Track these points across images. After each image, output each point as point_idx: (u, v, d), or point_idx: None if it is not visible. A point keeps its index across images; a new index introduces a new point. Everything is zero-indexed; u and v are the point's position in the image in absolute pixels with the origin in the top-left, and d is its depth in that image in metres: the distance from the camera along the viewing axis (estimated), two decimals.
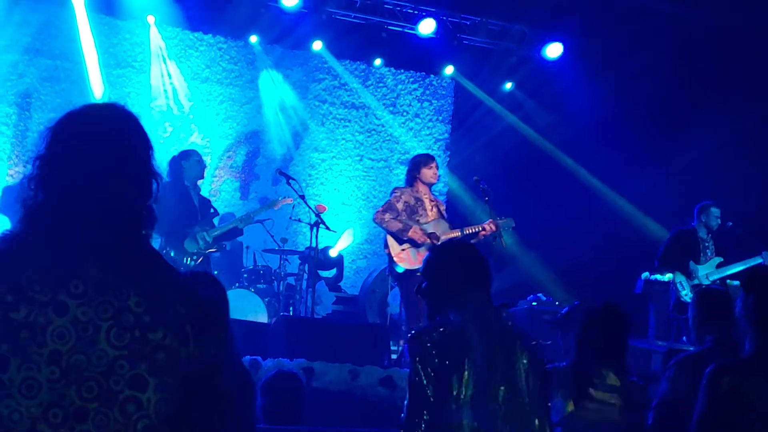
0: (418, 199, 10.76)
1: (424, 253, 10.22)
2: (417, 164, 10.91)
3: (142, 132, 2.77)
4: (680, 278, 12.04)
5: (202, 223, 11.27)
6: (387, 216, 10.72)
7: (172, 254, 10.97)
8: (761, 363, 4.47)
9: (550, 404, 4.74)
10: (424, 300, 4.78)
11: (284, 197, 12.50)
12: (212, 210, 11.77)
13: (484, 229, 10.53)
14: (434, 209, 10.79)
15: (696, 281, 11.99)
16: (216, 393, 2.66)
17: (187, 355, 2.54)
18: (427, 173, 10.77)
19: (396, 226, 10.63)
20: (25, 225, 2.61)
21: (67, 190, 2.60)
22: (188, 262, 10.99)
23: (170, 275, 2.66)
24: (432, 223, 10.65)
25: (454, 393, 4.32)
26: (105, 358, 2.46)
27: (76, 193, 2.59)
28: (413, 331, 4.62)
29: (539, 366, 4.56)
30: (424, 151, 16.98)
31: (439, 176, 10.95)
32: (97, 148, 2.64)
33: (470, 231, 10.60)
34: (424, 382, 4.34)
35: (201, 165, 11.46)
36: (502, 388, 4.38)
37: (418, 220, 10.65)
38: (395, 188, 11.30)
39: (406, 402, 4.45)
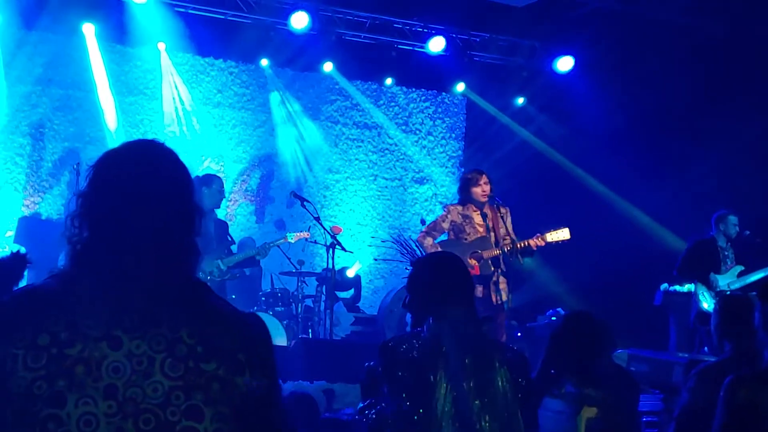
0: (467, 217, 10.67)
1: None
2: (466, 183, 10.81)
3: (183, 167, 2.84)
4: (701, 289, 11.95)
5: (218, 250, 11.26)
6: (428, 241, 10.69)
7: None
8: None
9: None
10: (410, 313, 4.80)
11: (300, 231, 12.51)
12: (229, 238, 11.77)
13: (528, 245, 10.46)
14: (490, 222, 10.64)
15: (717, 291, 11.90)
16: (271, 422, 2.68)
17: (243, 385, 2.57)
18: (477, 191, 10.67)
19: (434, 251, 10.62)
20: (74, 263, 2.65)
21: (112, 227, 2.64)
22: None
23: (220, 306, 2.70)
24: (477, 240, 10.57)
25: (432, 406, 4.32)
26: (161, 389, 2.49)
27: (121, 229, 2.63)
28: (382, 342, 4.66)
29: (522, 377, 4.54)
30: (439, 169, 17.09)
31: (491, 188, 10.77)
32: (139, 184, 2.68)
33: (518, 245, 10.51)
34: (403, 395, 4.38)
35: (221, 194, 11.49)
36: (477, 402, 4.36)
37: (465, 239, 10.58)
38: (445, 205, 11.30)
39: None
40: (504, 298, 10.44)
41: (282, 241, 12.18)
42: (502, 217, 10.68)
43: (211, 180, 11.43)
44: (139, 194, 2.66)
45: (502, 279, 10.49)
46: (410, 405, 4.36)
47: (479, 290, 10.28)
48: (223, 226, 11.73)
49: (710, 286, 11.89)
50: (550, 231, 10.58)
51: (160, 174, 2.74)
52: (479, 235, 10.57)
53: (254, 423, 2.61)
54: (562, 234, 10.62)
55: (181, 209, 2.73)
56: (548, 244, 10.54)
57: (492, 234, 10.54)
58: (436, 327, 4.51)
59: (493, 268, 10.44)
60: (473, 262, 10.38)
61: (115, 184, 2.69)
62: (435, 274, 4.75)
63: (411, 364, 4.43)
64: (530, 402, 4.66)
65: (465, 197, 10.77)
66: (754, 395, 4.40)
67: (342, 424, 8.22)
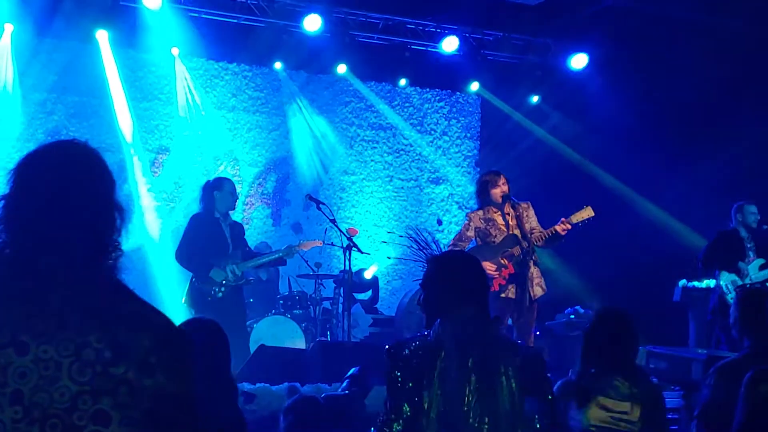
0: (489, 220, 10.62)
1: (500, 278, 10.22)
2: (485, 185, 10.76)
3: (101, 166, 2.78)
4: (725, 280, 11.84)
5: (234, 255, 11.26)
6: None
7: (197, 284, 11.01)
8: None
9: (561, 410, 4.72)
10: (423, 311, 4.80)
11: (313, 240, 12.52)
12: (245, 244, 11.78)
13: (555, 231, 10.43)
14: (512, 221, 10.62)
15: (747, 281, 11.79)
16: (184, 425, 2.65)
17: (152, 388, 2.54)
18: (497, 192, 10.63)
19: None
20: None
21: (27, 230, 2.63)
22: (216, 293, 10.99)
23: (136, 309, 2.65)
24: (505, 239, 10.50)
25: (425, 408, 4.33)
26: (68, 394, 2.48)
27: (34, 232, 2.62)
28: (387, 345, 4.67)
29: (532, 375, 4.51)
30: (454, 169, 17.08)
31: (508, 188, 10.75)
32: (55, 186, 2.66)
33: (545, 235, 10.49)
34: (395, 394, 4.42)
35: (233, 196, 11.48)
36: (477, 404, 4.36)
37: (493, 242, 10.55)
38: (467, 214, 11.26)
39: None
40: (540, 292, 10.41)
41: (303, 247, 12.16)
42: (524, 213, 10.64)
43: (220, 183, 11.42)
44: (52, 195, 2.65)
45: (536, 272, 10.46)
46: (408, 408, 4.38)
47: (512, 290, 10.27)
48: (239, 228, 11.74)
49: (740, 275, 11.79)
50: (573, 213, 10.54)
51: (74, 175, 2.70)
52: (505, 234, 10.53)
53: (166, 426, 2.58)
54: (586, 213, 10.55)
55: (97, 209, 2.70)
56: (575, 226, 10.49)
57: (518, 230, 10.49)
58: (441, 328, 4.53)
59: (525, 264, 10.37)
60: (505, 261, 10.35)
61: (29, 186, 2.68)
62: (449, 273, 4.73)
63: (409, 366, 4.45)
64: (547, 400, 4.62)
65: (484, 200, 10.74)
66: None
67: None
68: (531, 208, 10.77)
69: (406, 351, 4.50)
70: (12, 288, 2.58)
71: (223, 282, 11.03)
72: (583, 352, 5.67)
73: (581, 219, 10.53)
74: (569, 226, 10.41)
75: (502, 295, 10.15)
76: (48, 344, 2.50)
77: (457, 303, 4.58)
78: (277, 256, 12.00)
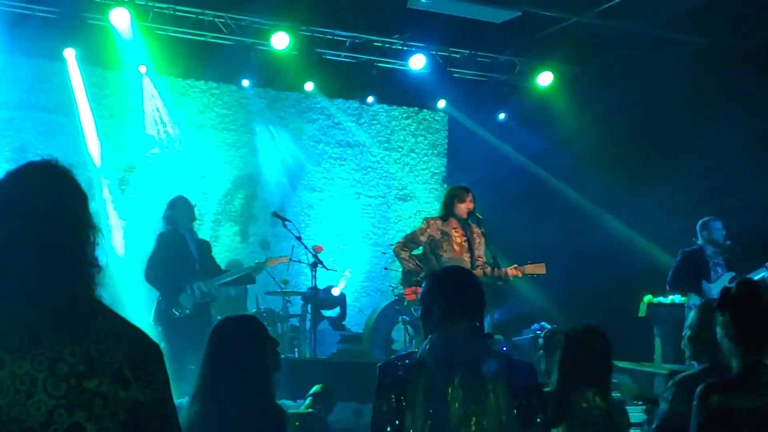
0: (445, 233, 10.69)
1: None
2: (451, 198, 10.84)
3: (76, 185, 2.85)
4: (694, 300, 11.89)
5: (201, 272, 11.27)
6: (404, 253, 10.75)
7: (164, 304, 11.03)
8: (749, 380, 4.54)
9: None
10: (423, 327, 4.82)
11: (279, 256, 12.55)
12: (213, 261, 11.78)
13: (506, 274, 10.55)
14: (465, 243, 10.70)
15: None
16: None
17: (128, 399, 2.61)
18: (462, 208, 10.71)
19: (408, 265, 10.66)
20: None
21: (1, 249, 2.68)
22: (184, 310, 10.99)
23: (108, 322, 2.71)
24: (454, 260, 10.56)
25: (412, 423, 4.35)
26: (43, 408, 2.54)
27: (8, 251, 2.67)
28: (379, 364, 4.68)
29: (523, 390, 4.53)
30: (422, 186, 17.13)
31: (473, 207, 10.83)
32: (28, 206, 2.72)
33: (483, 269, 10.58)
34: (377, 417, 4.43)
35: (188, 207, 11.49)
36: (466, 420, 4.38)
37: (441, 255, 10.62)
38: (426, 218, 11.32)
39: None
40: None
41: (261, 268, 12.18)
42: (478, 237, 10.74)
43: (172, 203, 11.45)
44: (25, 215, 2.70)
45: None
46: (392, 425, 4.39)
47: None
48: (205, 245, 11.75)
49: (702, 297, 11.83)
50: (528, 264, 10.71)
51: (47, 195, 2.76)
52: (456, 254, 10.59)
53: None
54: (539, 269, 10.78)
55: (70, 228, 2.74)
56: (525, 275, 10.67)
57: (468, 254, 10.58)
58: (429, 344, 4.54)
59: None
60: None
61: (2, 209, 2.73)
62: (440, 291, 4.74)
63: (396, 383, 4.45)
64: (536, 413, 4.64)
65: (448, 212, 10.80)
66: (728, 401, 4.49)
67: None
68: (484, 237, 10.86)
69: (398, 368, 4.50)
70: None
71: (190, 306, 11.04)
72: (560, 366, 5.73)
73: (533, 272, 10.72)
74: (519, 274, 10.58)
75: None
76: (23, 359, 2.56)
77: (450, 318, 4.60)
78: (244, 273, 12.02)
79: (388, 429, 4.40)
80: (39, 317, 2.62)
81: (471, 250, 10.58)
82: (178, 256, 11.11)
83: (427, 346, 4.54)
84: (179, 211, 11.28)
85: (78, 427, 2.55)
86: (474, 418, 4.38)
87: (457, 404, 4.38)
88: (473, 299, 4.74)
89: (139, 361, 2.66)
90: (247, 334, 4.98)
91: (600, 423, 5.53)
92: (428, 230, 10.78)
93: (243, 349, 4.89)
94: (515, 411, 4.46)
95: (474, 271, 10.41)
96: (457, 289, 4.75)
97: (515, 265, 10.63)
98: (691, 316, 6.19)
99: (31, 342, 2.59)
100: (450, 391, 4.40)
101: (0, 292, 2.65)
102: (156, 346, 2.77)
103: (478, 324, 4.71)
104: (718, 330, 4.75)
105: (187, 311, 11.00)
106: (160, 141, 15.51)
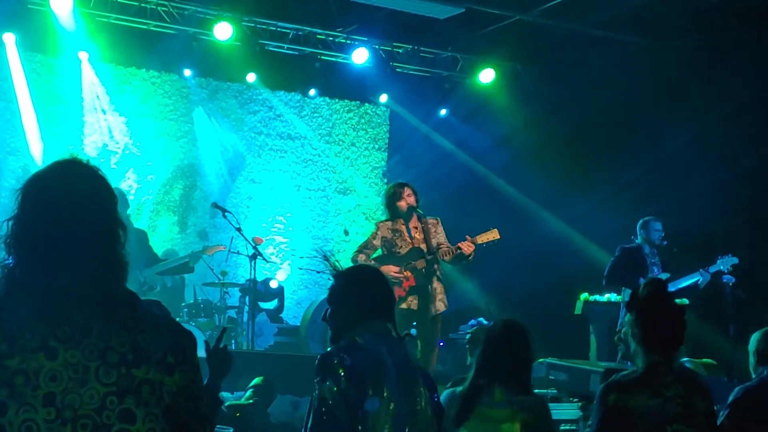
0: (396, 231, 10.74)
1: (400, 290, 10.28)
2: (391, 198, 10.87)
3: (104, 184, 3.00)
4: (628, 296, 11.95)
5: (137, 261, 11.19)
6: (361, 257, 10.76)
7: None
8: (649, 379, 4.63)
9: None
10: (329, 326, 4.79)
11: (216, 245, 12.51)
12: (149, 249, 11.70)
13: (460, 249, 10.58)
14: (418, 235, 10.73)
15: None
16: (197, 412, 2.89)
17: (172, 384, 2.79)
18: (402, 205, 10.74)
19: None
20: (9, 283, 2.81)
21: (42, 247, 2.81)
22: None
23: (148, 313, 2.88)
24: (409, 252, 10.64)
25: (371, 419, 4.32)
26: (96, 395, 2.69)
27: (50, 249, 2.81)
28: (321, 353, 4.60)
29: (436, 395, 4.61)
30: (362, 180, 17.14)
31: (416, 199, 10.85)
32: (63, 206, 2.86)
33: (451, 251, 10.61)
34: (330, 401, 4.31)
35: (121, 197, 11.39)
36: (408, 419, 4.39)
37: (398, 253, 10.66)
38: (376, 222, 11.40)
39: (308, 425, 4.42)
40: (442, 308, 10.56)
41: (198, 256, 12.15)
42: (432, 228, 10.76)
43: None
44: (64, 213, 2.83)
45: (439, 288, 10.60)
46: (341, 413, 4.32)
47: (414, 302, 10.40)
48: (141, 235, 11.67)
49: None
50: (479, 234, 10.72)
51: (82, 193, 2.89)
52: (411, 247, 10.65)
53: (183, 416, 2.83)
54: (492, 235, 10.78)
55: (105, 225, 2.90)
56: (479, 246, 10.66)
57: (424, 244, 10.62)
58: (372, 342, 4.48)
59: (428, 278, 10.53)
60: (408, 273, 10.47)
61: (41, 206, 2.86)
62: (358, 288, 4.74)
63: (352, 376, 4.35)
64: (441, 421, 4.69)
65: (392, 212, 10.85)
66: (625, 400, 4.60)
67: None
68: (440, 224, 10.91)
69: (348, 360, 4.39)
70: (35, 301, 2.74)
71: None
72: (478, 362, 5.74)
73: (486, 240, 10.74)
74: (473, 246, 10.60)
75: (402, 305, 10.22)
76: (75, 349, 2.71)
77: (365, 316, 4.59)
78: (181, 261, 11.97)
79: (337, 415, 4.32)
80: (88, 309, 2.76)
81: (426, 241, 10.60)
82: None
83: (370, 343, 4.48)
84: None
85: (128, 412, 2.70)
86: (411, 419, 4.40)
87: (402, 402, 4.39)
88: (389, 298, 4.81)
89: (179, 347, 2.85)
90: None
91: (505, 421, 5.52)
92: (379, 233, 10.83)
93: None
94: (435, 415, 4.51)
95: (422, 262, 10.48)
96: (372, 286, 4.79)
97: (467, 236, 10.65)
98: (623, 315, 6.24)
99: (82, 333, 2.73)
100: (399, 390, 4.39)
101: (49, 284, 2.77)
102: (191, 333, 2.94)
103: (393, 323, 4.74)
104: (625, 328, 4.83)
105: None
106: (100, 129, 15.38)
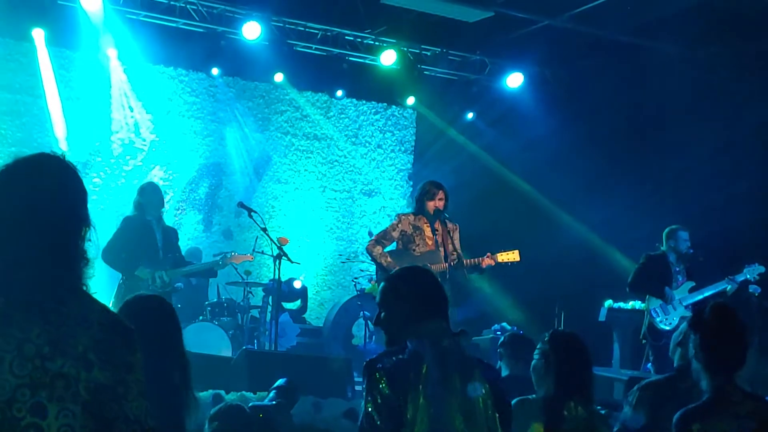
0: (417, 228, 10.73)
1: None
2: (423, 193, 10.86)
3: (76, 181, 2.94)
4: (654, 304, 11.89)
5: (164, 261, 11.20)
6: (377, 249, 10.75)
7: (124, 287, 10.89)
8: (721, 403, 4.59)
9: None
10: (383, 330, 4.72)
11: (244, 254, 12.50)
12: (177, 250, 11.70)
13: (479, 263, 10.60)
14: (439, 238, 10.72)
15: (675, 304, 11.83)
16: (127, 417, 2.76)
17: (89, 381, 2.68)
18: (431, 205, 10.72)
19: (384, 260, 10.66)
20: None
21: None
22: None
23: (83, 308, 2.79)
24: (427, 253, 10.63)
25: (409, 423, 4.27)
26: (8, 386, 2.61)
27: (1, 235, 2.78)
28: (367, 359, 4.52)
29: (499, 396, 4.48)
30: (387, 182, 17.12)
31: (445, 204, 10.86)
32: (28, 195, 2.83)
33: (469, 262, 10.62)
34: (370, 409, 4.27)
35: (157, 195, 11.41)
36: (460, 417, 4.33)
37: (414, 250, 10.65)
38: (398, 214, 11.37)
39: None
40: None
41: (234, 261, 12.16)
42: (449, 233, 10.75)
43: (142, 190, 11.39)
44: (17, 205, 2.80)
45: (449, 293, 10.58)
46: (386, 421, 4.30)
47: None
48: (172, 233, 11.66)
49: (666, 300, 11.81)
50: (500, 252, 10.73)
51: (46, 185, 2.85)
52: (428, 249, 10.64)
53: (109, 418, 2.71)
54: (513, 256, 10.80)
55: (65, 220, 2.86)
56: (498, 264, 10.70)
57: (441, 249, 10.61)
58: (418, 344, 4.40)
59: (442, 282, 10.50)
60: None
61: (4, 193, 2.83)
62: (411, 288, 4.64)
63: (392, 380, 4.30)
64: (509, 421, 4.63)
65: (419, 208, 10.83)
66: (708, 428, 4.54)
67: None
68: (458, 231, 10.91)
69: (390, 364, 4.34)
70: None
71: (150, 287, 10.93)
72: (544, 374, 5.66)
73: (506, 260, 10.76)
74: (493, 263, 10.63)
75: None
76: None
77: (422, 316, 4.50)
78: (207, 266, 11.98)
79: (378, 422, 4.29)
80: (13, 300, 2.70)
81: (444, 244, 10.60)
82: (141, 242, 11.03)
83: (416, 344, 4.39)
84: (148, 198, 11.21)
85: (40, 406, 2.62)
86: (468, 418, 4.32)
87: (454, 402, 4.33)
88: (441, 295, 4.70)
89: (105, 344, 2.72)
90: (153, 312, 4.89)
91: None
92: (400, 225, 10.81)
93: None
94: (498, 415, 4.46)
95: (444, 265, 10.48)
96: (426, 286, 4.69)
97: (488, 254, 10.66)
98: (682, 327, 6.12)
99: (2, 322, 2.66)
100: (450, 391, 4.33)
101: None
102: (128, 330, 2.84)
103: (448, 321, 4.68)
104: (690, 347, 4.79)
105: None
106: (127, 125, 15.41)
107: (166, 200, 12.21)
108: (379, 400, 4.29)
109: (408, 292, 4.63)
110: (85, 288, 2.87)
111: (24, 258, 2.76)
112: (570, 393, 5.51)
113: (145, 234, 11.10)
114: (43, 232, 2.79)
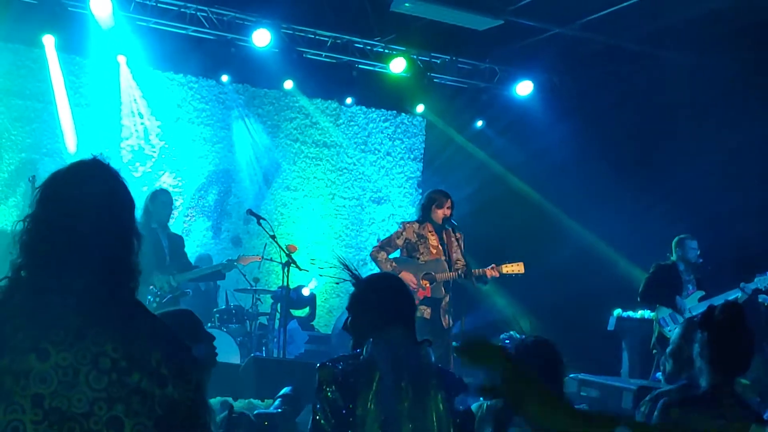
0: (421, 236, 10.72)
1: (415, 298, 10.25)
2: (431, 201, 10.86)
3: (123, 189, 2.97)
4: (663, 313, 11.88)
5: (171, 266, 11.21)
6: (382, 255, 10.76)
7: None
8: (713, 400, 4.59)
9: None
10: (349, 334, 4.79)
11: (251, 255, 12.52)
12: (184, 255, 11.71)
13: (484, 273, 10.60)
14: (441, 246, 10.73)
15: (686, 315, 11.81)
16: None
17: (164, 397, 2.72)
18: (439, 213, 10.73)
19: (388, 266, 10.65)
20: (12, 278, 2.81)
21: (51, 246, 2.79)
22: (151, 303, 10.88)
23: (148, 323, 2.85)
24: (431, 262, 10.63)
25: (357, 427, 4.30)
26: (85, 400, 2.64)
27: (58, 249, 2.79)
28: (318, 364, 4.61)
29: (453, 401, 4.54)
30: (396, 189, 17.12)
31: (452, 212, 10.87)
32: (79, 207, 2.84)
33: (474, 273, 10.62)
34: (318, 416, 4.35)
35: (168, 207, 11.45)
36: (409, 425, 4.35)
37: (418, 258, 10.64)
38: (402, 222, 11.35)
39: None
40: (450, 323, 10.59)
41: (241, 262, 12.18)
42: (456, 241, 10.75)
43: (154, 195, 11.42)
44: (76, 216, 2.82)
45: (450, 303, 10.61)
46: (334, 426, 4.34)
47: (428, 312, 10.41)
48: (178, 240, 11.69)
49: (677, 310, 11.80)
50: (505, 263, 10.75)
51: (97, 197, 2.87)
52: (433, 257, 10.63)
53: None
54: (517, 267, 10.81)
55: (117, 232, 2.89)
56: (502, 275, 10.71)
57: (445, 257, 10.61)
58: (374, 349, 4.48)
59: (444, 292, 10.55)
60: (425, 283, 10.47)
61: (56, 206, 2.84)
62: (377, 296, 4.74)
63: (342, 384, 4.39)
64: (468, 429, 4.65)
65: (425, 216, 10.83)
66: (688, 418, 4.54)
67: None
68: (462, 239, 10.90)
69: (341, 369, 4.44)
70: (32, 302, 2.73)
71: (158, 293, 10.95)
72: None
73: (511, 272, 10.77)
74: (497, 274, 10.65)
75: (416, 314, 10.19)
76: (67, 352, 2.67)
77: (385, 323, 4.58)
78: (215, 269, 11.99)
79: (326, 427, 4.33)
80: (85, 313, 2.73)
81: (448, 253, 10.61)
82: (148, 249, 11.02)
83: (372, 350, 4.48)
84: (156, 206, 11.24)
85: (116, 420, 2.67)
86: (418, 424, 4.37)
87: (405, 411, 4.37)
88: (406, 304, 4.80)
89: (175, 361, 2.79)
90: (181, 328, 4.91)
91: None
92: (404, 233, 10.80)
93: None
94: (455, 423, 4.47)
95: (451, 274, 10.49)
96: (390, 293, 4.78)
97: (493, 265, 10.67)
98: (676, 331, 6.15)
99: (76, 336, 2.69)
100: (400, 396, 4.38)
101: (50, 285, 2.76)
102: (189, 348, 2.90)
103: (411, 330, 4.72)
104: (695, 346, 4.78)
105: (156, 301, 10.91)
106: (136, 132, 15.43)
107: (174, 207, 12.22)
108: (325, 404, 4.37)
109: (373, 299, 4.72)
110: (139, 301, 2.92)
111: (88, 270, 2.78)
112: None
113: (151, 240, 11.11)
114: (102, 243, 2.82)
